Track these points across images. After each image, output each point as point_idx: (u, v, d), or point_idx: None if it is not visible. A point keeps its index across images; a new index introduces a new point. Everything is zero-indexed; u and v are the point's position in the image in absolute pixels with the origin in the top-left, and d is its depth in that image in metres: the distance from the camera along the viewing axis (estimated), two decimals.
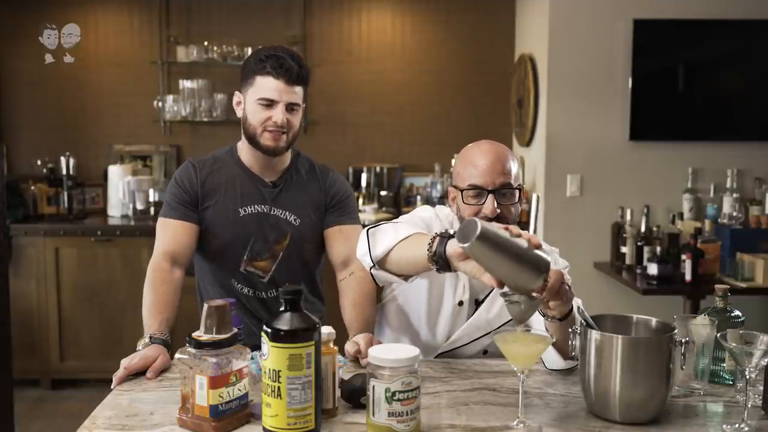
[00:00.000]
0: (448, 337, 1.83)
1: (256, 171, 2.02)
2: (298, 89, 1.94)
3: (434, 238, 1.45)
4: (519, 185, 1.75)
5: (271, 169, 2.03)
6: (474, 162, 1.72)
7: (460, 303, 1.82)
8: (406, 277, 1.64)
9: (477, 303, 1.83)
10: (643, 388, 1.35)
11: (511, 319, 1.72)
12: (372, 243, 1.64)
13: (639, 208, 3.77)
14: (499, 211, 1.69)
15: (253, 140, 1.96)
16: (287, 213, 2.01)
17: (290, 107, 1.93)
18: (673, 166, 3.89)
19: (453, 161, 1.73)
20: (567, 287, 1.46)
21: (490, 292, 1.81)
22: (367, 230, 1.68)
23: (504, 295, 1.37)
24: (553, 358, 1.62)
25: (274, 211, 2.01)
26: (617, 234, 3.77)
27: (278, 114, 1.91)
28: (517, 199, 1.74)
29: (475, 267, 1.35)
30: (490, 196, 1.69)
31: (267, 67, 1.89)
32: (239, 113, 2.00)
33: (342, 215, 2.06)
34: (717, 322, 1.53)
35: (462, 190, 1.73)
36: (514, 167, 1.74)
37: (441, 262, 1.42)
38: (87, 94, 4.57)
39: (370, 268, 1.67)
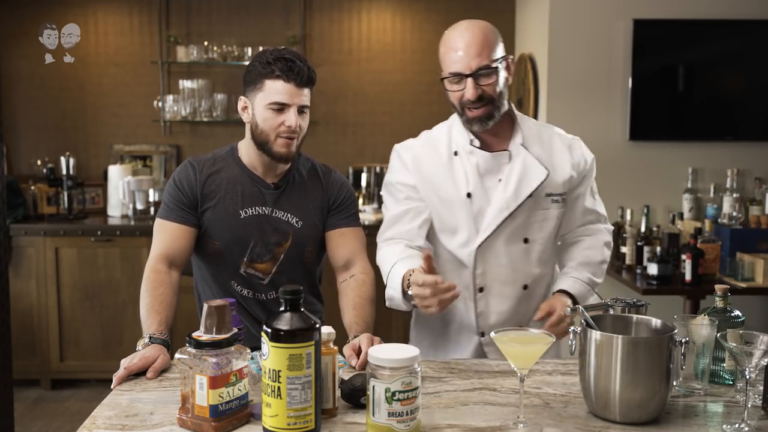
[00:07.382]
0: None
1: (258, 172, 1.99)
2: (307, 91, 1.91)
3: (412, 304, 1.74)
4: (497, 62, 1.79)
5: (272, 171, 1.99)
6: (452, 46, 1.79)
7: (468, 195, 1.88)
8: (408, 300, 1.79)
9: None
10: (643, 388, 1.35)
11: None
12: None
13: (639, 208, 3.77)
14: (479, 92, 1.77)
15: (264, 147, 1.91)
16: (289, 215, 1.99)
17: (301, 110, 1.90)
18: (673, 166, 3.89)
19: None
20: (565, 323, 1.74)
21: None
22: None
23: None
24: None
25: (275, 213, 1.98)
26: (617, 234, 3.77)
27: (291, 118, 1.86)
28: (498, 77, 1.80)
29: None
30: (469, 81, 1.76)
31: (276, 71, 1.85)
32: (246, 118, 1.94)
33: (344, 217, 2.04)
34: (717, 322, 1.53)
35: (443, 79, 1.81)
36: (489, 45, 1.78)
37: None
38: (87, 94, 4.57)
39: None
